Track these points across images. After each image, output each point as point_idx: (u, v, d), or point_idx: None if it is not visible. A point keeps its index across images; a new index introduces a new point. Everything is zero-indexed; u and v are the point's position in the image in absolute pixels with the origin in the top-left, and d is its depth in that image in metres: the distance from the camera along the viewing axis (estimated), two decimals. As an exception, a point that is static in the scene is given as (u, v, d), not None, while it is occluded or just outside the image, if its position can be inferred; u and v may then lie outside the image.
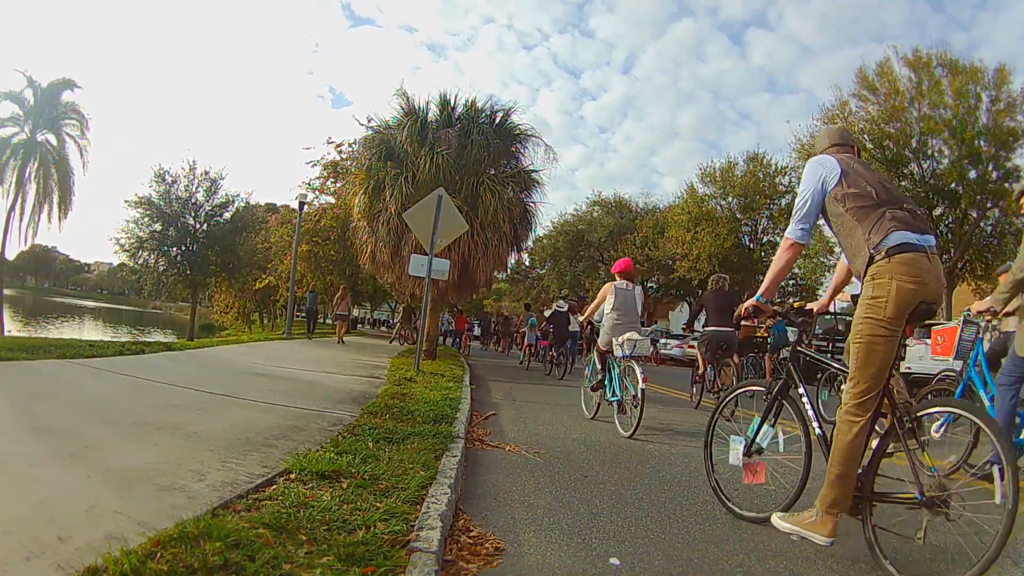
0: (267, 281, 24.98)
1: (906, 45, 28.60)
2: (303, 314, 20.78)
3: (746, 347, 10.40)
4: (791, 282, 29.64)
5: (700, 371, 7.89)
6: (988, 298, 4.20)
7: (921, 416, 2.44)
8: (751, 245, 30.37)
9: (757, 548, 2.65)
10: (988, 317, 4.41)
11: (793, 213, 2.72)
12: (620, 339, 5.85)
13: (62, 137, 28.84)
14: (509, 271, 24.90)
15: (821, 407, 5.65)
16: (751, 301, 2.97)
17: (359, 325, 43.97)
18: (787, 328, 9.84)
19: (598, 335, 6.45)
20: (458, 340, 22.67)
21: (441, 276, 9.56)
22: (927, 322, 4.32)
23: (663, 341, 24.25)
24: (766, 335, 10.40)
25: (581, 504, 3.16)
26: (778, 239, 30.32)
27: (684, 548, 2.60)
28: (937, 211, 21.38)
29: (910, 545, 2.43)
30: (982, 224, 20.60)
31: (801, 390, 2.94)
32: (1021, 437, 3.80)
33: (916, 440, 2.38)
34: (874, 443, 2.52)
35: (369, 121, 14.23)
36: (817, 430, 2.81)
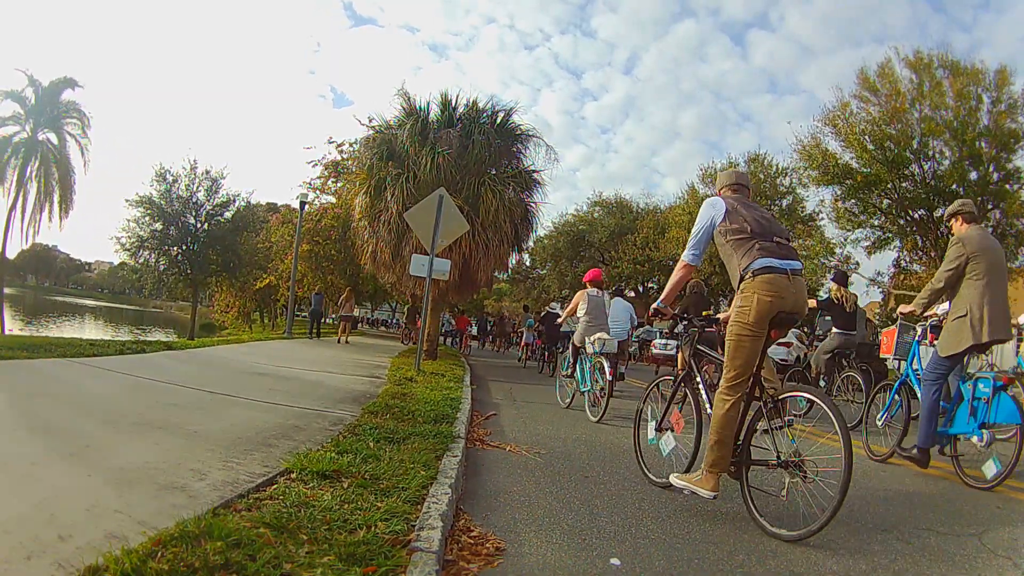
0: (268, 281, 25.00)
1: (907, 46, 28.52)
2: (305, 314, 20.79)
3: None
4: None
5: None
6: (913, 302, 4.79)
7: (782, 399, 3.04)
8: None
9: (758, 548, 2.65)
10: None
11: (688, 240, 3.37)
12: (591, 338, 6.71)
13: (63, 136, 28.83)
14: (510, 271, 24.88)
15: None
16: (653, 305, 3.65)
17: (359, 325, 44.07)
18: None
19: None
20: (458, 340, 22.76)
21: (442, 276, 9.56)
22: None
23: (664, 342, 24.15)
24: None
25: (582, 504, 3.16)
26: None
27: (685, 548, 2.60)
28: (938, 212, 21.32)
29: (777, 502, 2.96)
30: (983, 226, 20.58)
31: (698, 379, 3.59)
32: (944, 427, 4.29)
33: (779, 417, 3.00)
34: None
35: (370, 121, 14.27)
36: (708, 410, 3.31)
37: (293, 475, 2.79)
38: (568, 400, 7.16)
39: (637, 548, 2.56)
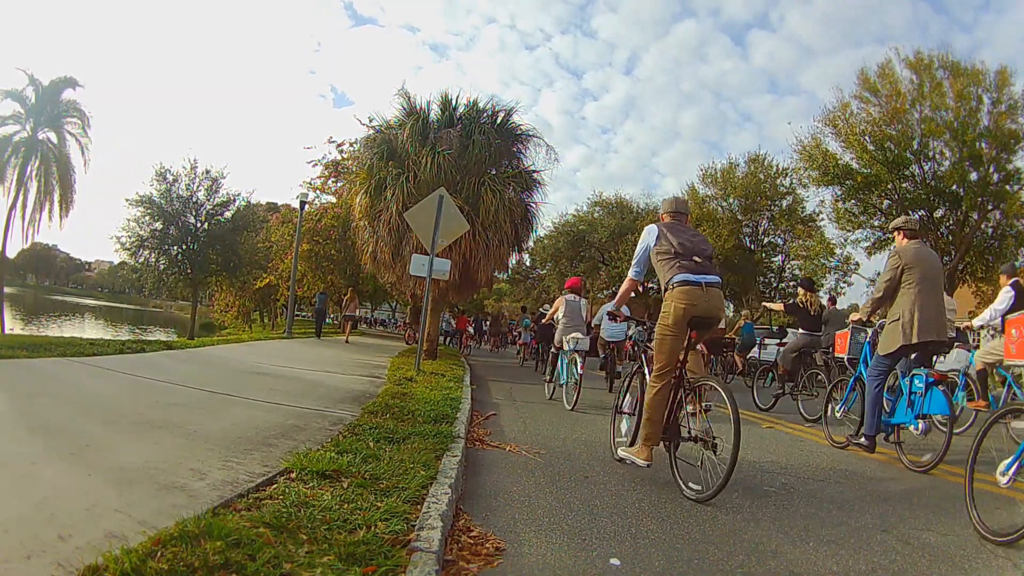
0: (268, 280, 25.00)
1: (908, 47, 28.48)
2: (306, 314, 20.86)
3: (717, 347, 12.37)
4: (793, 284, 29.63)
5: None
6: (861, 311, 5.60)
7: (698, 386, 3.71)
8: (752, 246, 30.33)
9: (758, 549, 2.65)
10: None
11: (632, 260, 4.19)
12: (567, 338, 7.69)
13: (63, 135, 28.78)
14: (510, 271, 24.89)
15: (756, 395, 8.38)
16: (607, 309, 4.60)
17: (358, 324, 44.10)
18: (753, 331, 12.09)
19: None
20: (457, 340, 22.81)
21: (442, 276, 9.55)
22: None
23: None
24: (734, 337, 12.19)
25: (582, 504, 3.16)
26: (779, 240, 30.32)
27: (684, 548, 2.60)
28: (938, 213, 21.34)
29: (696, 470, 3.54)
30: (983, 226, 20.56)
31: (646, 371, 4.14)
32: (888, 417, 4.89)
33: (696, 402, 3.67)
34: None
35: (371, 121, 14.23)
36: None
37: (293, 475, 2.79)
38: (550, 394, 8.07)
39: (637, 548, 2.56)
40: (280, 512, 2.22)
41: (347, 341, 17.17)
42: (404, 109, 13.16)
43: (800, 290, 8.51)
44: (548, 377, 8.52)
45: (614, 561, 2.40)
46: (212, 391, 5.35)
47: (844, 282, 26.13)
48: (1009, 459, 3.06)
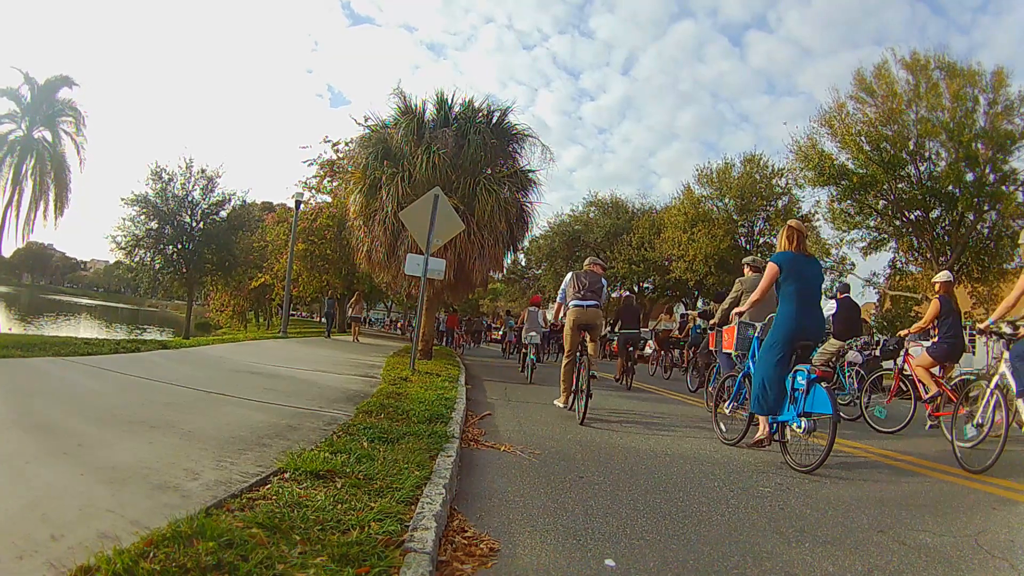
0: (263, 280, 24.95)
1: (904, 48, 28.51)
2: (303, 314, 20.99)
3: (666, 345, 14.77)
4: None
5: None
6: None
7: (582, 359, 6.40)
8: (747, 246, 30.35)
9: (753, 550, 2.64)
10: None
11: (559, 291, 7.28)
12: (527, 335, 11.45)
13: (59, 134, 28.77)
14: (505, 271, 24.90)
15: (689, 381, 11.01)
16: (551, 319, 8.91)
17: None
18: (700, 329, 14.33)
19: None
20: (450, 338, 22.84)
21: (437, 276, 9.54)
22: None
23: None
24: (680, 337, 14.60)
25: (576, 505, 3.16)
26: (774, 240, 30.35)
27: (679, 549, 2.60)
28: (934, 213, 21.36)
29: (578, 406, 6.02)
30: (979, 227, 20.60)
31: (584, 358, 6.45)
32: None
33: (586, 371, 6.16)
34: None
35: (366, 120, 14.21)
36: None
37: (286, 475, 2.78)
38: (528, 378, 10.79)
39: (632, 549, 2.56)
40: (273, 512, 2.22)
41: (356, 340, 18.04)
42: (399, 109, 13.14)
43: (712, 302, 10.42)
44: (520, 367, 12.79)
45: (609, 562, 2.39)
46: (207, 391, 5.33)
47: (839, 282, 26.15)
48: (728, 399, 5.65)
